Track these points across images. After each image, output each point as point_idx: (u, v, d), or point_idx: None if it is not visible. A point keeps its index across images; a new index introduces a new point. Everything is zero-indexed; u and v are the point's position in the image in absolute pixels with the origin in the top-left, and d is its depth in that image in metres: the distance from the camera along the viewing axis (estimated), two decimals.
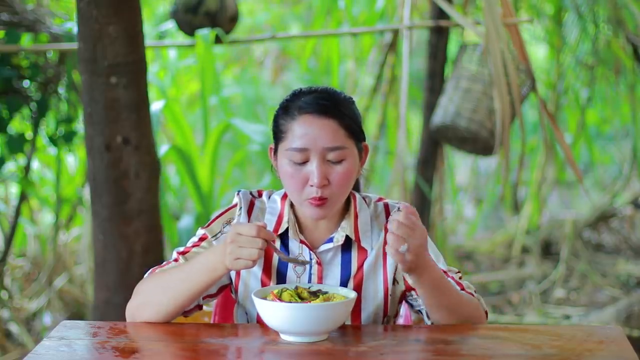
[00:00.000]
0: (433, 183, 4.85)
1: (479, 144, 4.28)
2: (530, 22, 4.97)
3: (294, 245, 2.02)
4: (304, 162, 1.92)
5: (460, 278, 2.06)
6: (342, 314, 1.84)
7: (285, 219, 2.02)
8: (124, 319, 2.00)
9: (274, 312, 1.81)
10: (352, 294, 1.89)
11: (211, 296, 2.04)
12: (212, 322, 2.24)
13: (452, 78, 4.35)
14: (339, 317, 1.84)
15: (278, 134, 1.97)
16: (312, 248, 2.02)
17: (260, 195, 2.09)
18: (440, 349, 1.80)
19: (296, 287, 1.91)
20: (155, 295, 1.94)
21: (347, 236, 2.02)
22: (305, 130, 1.91)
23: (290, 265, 2.02)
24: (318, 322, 1.81)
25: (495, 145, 4.20)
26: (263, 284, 2.02)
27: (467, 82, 4.23)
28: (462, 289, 2.02)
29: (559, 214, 6.76)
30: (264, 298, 1.86)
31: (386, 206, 2.09)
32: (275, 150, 1.99)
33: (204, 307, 2.06)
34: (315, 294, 1.90)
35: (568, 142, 5.28)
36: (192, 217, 4.06)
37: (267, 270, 2.02)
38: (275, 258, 2.02)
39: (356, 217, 2.03)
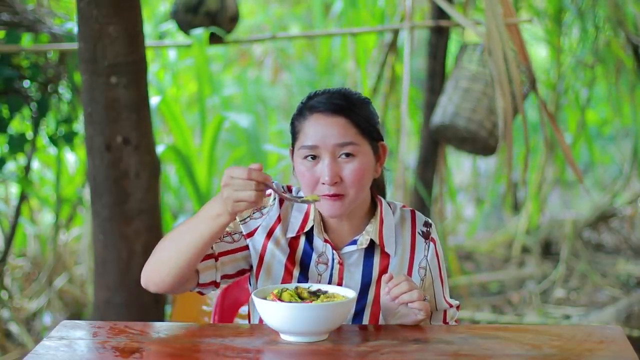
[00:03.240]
0: (433, 183, 4.86)
1: (478, 143, 4.28)
2: (530, 22, 4.97)
3: (318, 243, 2.04)
4: (316, 161, 1.94)
5: (454, 315, 2.12)
6: (342, 314, 1.84)
7: (311, 217, 2.03)
8: (124, 319, 2.00)
9: (274, 312, 1.81)
10: (352, 294, 1.89)
11: (229, 276, 2.04)
12: (212, 322, 2.24)
13: (452, 78, 4.35)
14: (339, 317, 1.84)
15: (293, 135, 2.01)
16: (336, 248, 2.03)
17: (289, 190, 2.10)
18: (440, 349, 1.80)
19: (296, 287, 1.92)
20: (165, 251, 1.93)
21: (371, 240, 2.03)
22: (315, 128, 1.94)
23: (314, 259, 2.03)
24: (318, 322, 1.81)
25: (494, 145, 4.20)
26: (287, 270, 2.03)
27: (466, 82, 4.23)
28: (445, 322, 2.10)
29: (559, 214, 6.76)
30: (264, 298, 1.86)
31: (413, 213, 2.10)
32: (293, 151, 2.02)
33: (204, 308, 2.06)
34: (315, 294, 1.90)
35: (568, 142, 5.28)
36: (187, 217, 4.04)
37: (291, 258, 2.04)
38: (300, 249, 2.03)
39: (381, 222, 2.04)
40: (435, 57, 4.77)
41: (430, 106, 4.69)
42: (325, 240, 2.03)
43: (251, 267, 2.06)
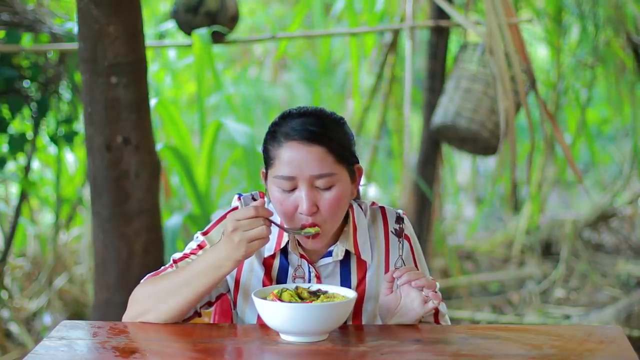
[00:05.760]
0: (433, 183, 4.86)
1: (480, 144, 4.28)
2: (530, 22, 4.97)
3: (293, 258, 2.02)
4: (293, 189, 1.90)
5: (444, 313, 2.10)
6: (342, 314, 1.84)
7: (285, 233, 2.00)
8: None
9: (275, 312, 1.81)
10: (352, 294, 1.89)
11: (209, 304, 2.04)
12: (211, 322, 2.24)
13: (453, 78, 4.35)
14: (339, 317, 1.84)
15: (267, 160, 1.95)
16: (312, 262, 2.01)
17: (262, 197, 2.06)
18: (440, 349, 1.80)
19: (296, 287, 1.91)
20: (155, 302, 1.93)
21: (346, 249, 2.01)
22: (291, 158, 1.88)
23: (290, 274, 2.02)
24: (318, 322, 1.81)
25: (496, 145, 4.20)
26: (264, 286, 2.01)
27: (467, 82, 4.23)
28: (438, 323, 2.07)
29: (559, 214, 6.76)
30: (264, 298, 1.86)
31: (382, 210, 2.09)
32: (266, 175, 1.97)
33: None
34: (315, 294, 1.90)
35: (568, 142, 5.28)
36: (182, 215, 4.04)
37: (268, 275, 2.02)
38: (276, 265, 2.02)
39: (355, 229, 2.02)
40: (435, 57, 4.77)
41: (430, 106, 4.69)
42: (301, 256, 2.01)
43: (229, 290, 2.05)
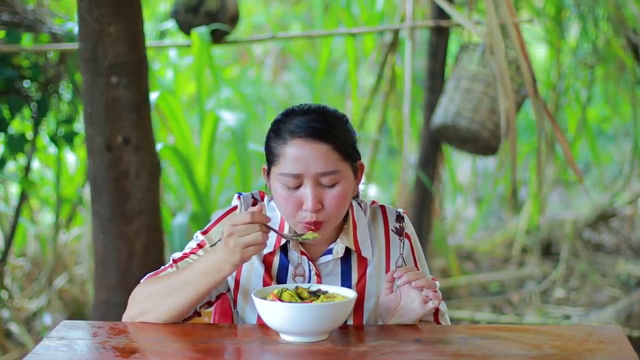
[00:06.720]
0: (433, 183, 4.86)
1: (480, 144, 4.28)
2: (530, 22, 4.97)
3: (293, 255, 2.02)
4: (297, 187, 1.90)
5: (444, 312, 2.10)
6: (342, 314, 1.84)
7: (285, 230, 2.00)
8: None
9: (275, 312, 1.81)
10: (352, 294, 1.89)
11: (209, 304, 2.04)
12: (212, 322, 2.24)
13: (453, 78, 4.35)
14: (339, 317, 1.84)
15: (270, 157, 1.94)
16: (312, 259, 2.01)
17: (262, 198, 2.07)
18: (440, 349, 1.80)
19: (296, 287, 1.92)
20: (155, 302, 1.93)
21: (346, 247, 2.02)
22: (297, 155, 1.88)
23: (290, 272, 2.02)
24: (318, 322, 1.81)
25: (496, 145, 4.20)
26: (265, 284, 2.02)
27: (467, 82, 4.23)
28: (438, 322, 2.07)
29: (559, 214, 6.76)
30: (264, 298, 1.86)
31: (382, 208, 2.09)
32: (269, 172, 1.97)
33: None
34: (315, 294, 1.90)
35: (568, 142, 5.28)
36: (187, 215, 4.04)
37: (268, 273, 2.02)
38: (276, 263, 2.02)
39: (355, 227, 2.02)
40: (435, 57, 4.77)
41: (430, 106, 4.69)
42: (301, 252, 2.01)
43: (229, 289, 2.06)
